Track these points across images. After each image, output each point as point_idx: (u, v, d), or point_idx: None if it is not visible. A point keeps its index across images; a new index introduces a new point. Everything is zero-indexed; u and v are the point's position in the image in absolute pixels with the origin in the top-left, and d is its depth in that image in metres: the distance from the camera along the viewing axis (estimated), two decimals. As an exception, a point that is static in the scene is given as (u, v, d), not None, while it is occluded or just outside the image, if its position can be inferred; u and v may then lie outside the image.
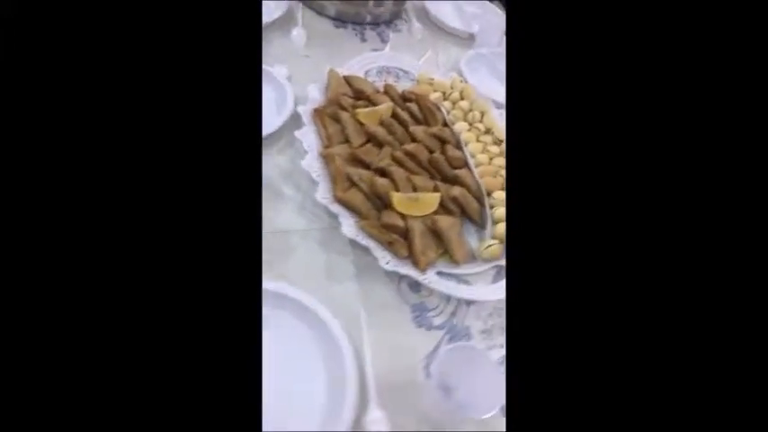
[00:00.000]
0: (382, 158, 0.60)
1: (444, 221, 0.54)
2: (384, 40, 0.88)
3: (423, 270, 0.51)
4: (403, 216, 0.53)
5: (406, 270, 0.50)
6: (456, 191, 0.58)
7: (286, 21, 0.83)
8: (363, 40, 0.87)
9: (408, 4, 0.97)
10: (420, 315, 0.50)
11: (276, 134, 0.62)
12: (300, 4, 0.89)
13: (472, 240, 0.58)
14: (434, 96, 0.72)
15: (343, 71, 0.73)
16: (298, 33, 0.82)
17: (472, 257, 0.55)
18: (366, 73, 0.76)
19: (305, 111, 0.64)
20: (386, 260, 0.50)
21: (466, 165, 0.63)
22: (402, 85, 0.76)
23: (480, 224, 0.59)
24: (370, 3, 0.87)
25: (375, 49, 0.85)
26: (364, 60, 0.77)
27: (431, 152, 0.64)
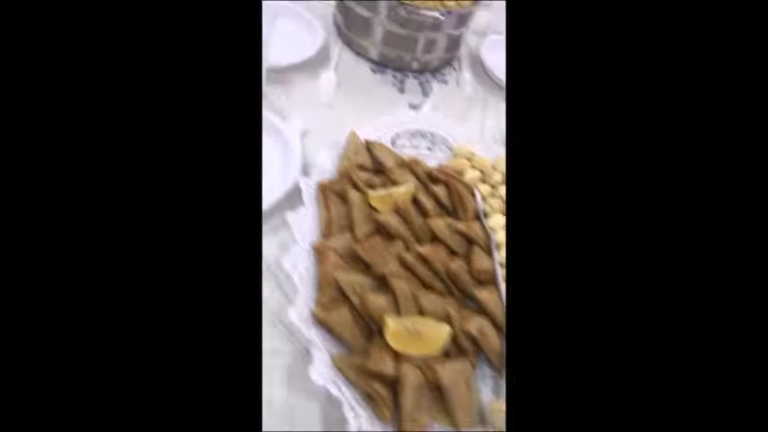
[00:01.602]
0: (388, 260, 0.48)
1: (449, 372, 0.41)
2: (425, 93, 0.76)
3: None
4: (396, 354, 0.42)
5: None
6: (474, 325, 0.45)
7: (318, 60, 0.73)
8: (401, 90, 0.75)
9: (463, 50, 0.86)
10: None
11: (271, 210, 0.52)
12: (339, 42, 0.80)
13: (484, 390, 0.45)
14: (471, 177, 0.60)
15: (369, 132, 0.62)
16: (327, 79, 0.72)
17: (479, 419, 0.43)
18: (396, 136, 0.65)
19: (307, 185, 0.53)
20: (357, 424, 0.38)
21: (494, 281, 0.51)
22: (434, 157, 0.64)
23: (498, 369, 0.46)
24: (419, 47, 0.76)
25: (412, 105, 0.73)
26: (395, 121, 0.66)
27: (452, 252, 0.52)
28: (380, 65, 0.78)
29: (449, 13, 0.72)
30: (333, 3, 0.82)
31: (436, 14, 0.70)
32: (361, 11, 0.74)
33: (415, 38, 0.74)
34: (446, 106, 0.75)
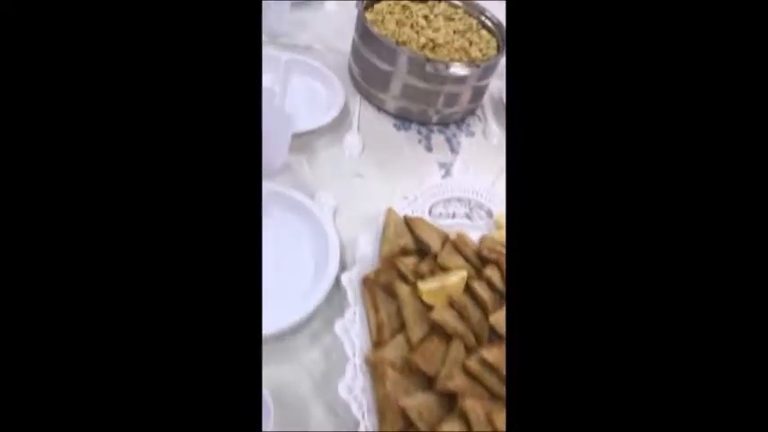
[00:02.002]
0: (451, 369, 0.43)
1: None
2: (454, 149, 0.72)
3: None
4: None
5: None
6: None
7: (339, 119, 0.68)
8: (429, 148, 0.71)
9: (486, 96, 0.81)
10: None
11: (309, 316, 0.47)
12: (359, 98, 0.75)
13: None
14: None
15: (405, 207, 0.57)
16: (352, 141, 0.67)
17: None
18: (432, 205, 0.60)
19: (350, 281, 0.48)
20: None
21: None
22: (476, 226, 0.60)
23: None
24: (440, 101, 0.71)
25: (441, 164, 0.68)
26: (429, 188, 0.61)
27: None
28: (403, 119, 0.73)
29: (477, 66, 0.67)
30: (348, 53, 0.78)
31: (465, 72, 0.65)
32: (381, 64, 0.69)
33: (437, 92, 0.70)
34: (477, 162, 0.70)
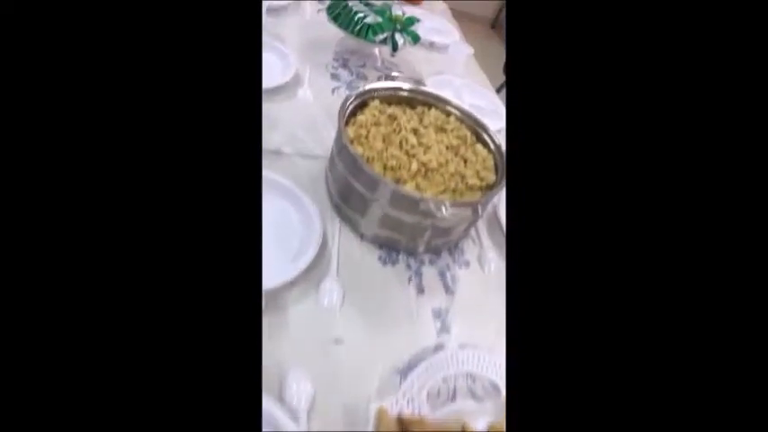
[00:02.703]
0: None
1: None
2: (449, 289, 0.62)
3: None
4: None
5: None
6: None
7: (315, 264, 0.56)
8: (420, 289, 0.60)
9: (484, 216, 0.72)
10: None
11: None
12: (338, 224, 0.64)
13: None
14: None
15: (400, 398, 0.46)
16: (330, 288, 0.56)
17: None
18: (430, 389, 0.50)
19: None
20: None
21: None
22: (483, 410, 0.49)
23: None
24: (429, 234, 0.61)
25: (437, 313, 0.58)
26: (426, 372, 0.50)
27: None
28: (389, 248, 0.63)
29: (476, 210, 0.58)
30: (324, 156, 0.68)
31: (463, 213, 0.56)
32: (364, 192, 0.59)
33: (427, 226, 0.60)
34: (475, 306, 0.61)
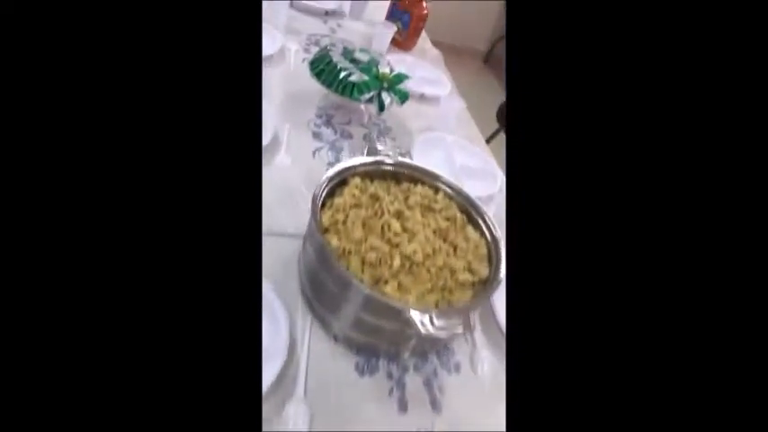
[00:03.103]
0: None
1: None
2: (436, 404, 0.52)
3: None
4: None
5: None
6: None
7: (279, 382, 0.47)
8: (403, 405, 0.51)
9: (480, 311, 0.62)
10: None
11: None
12: (309, 322, 0.56)
13: None
14: None
15: None
16: (296, 413, 0.47)
17: None
18: None
19: None
20: None
21: None
22: None
23: None
24: (412, 342, 0.52)
25: (422, 439, 0.50)
26: None
27: None
28: (367, 354, 0.54)
29: (468, 321, 0.50)
30: (298, 237, 0.60)
31: (454, 323, 0.48)
32: (338, 292, 0.51)
33: (411, 335, 0.52)
34: (466, 415, 0.52)
